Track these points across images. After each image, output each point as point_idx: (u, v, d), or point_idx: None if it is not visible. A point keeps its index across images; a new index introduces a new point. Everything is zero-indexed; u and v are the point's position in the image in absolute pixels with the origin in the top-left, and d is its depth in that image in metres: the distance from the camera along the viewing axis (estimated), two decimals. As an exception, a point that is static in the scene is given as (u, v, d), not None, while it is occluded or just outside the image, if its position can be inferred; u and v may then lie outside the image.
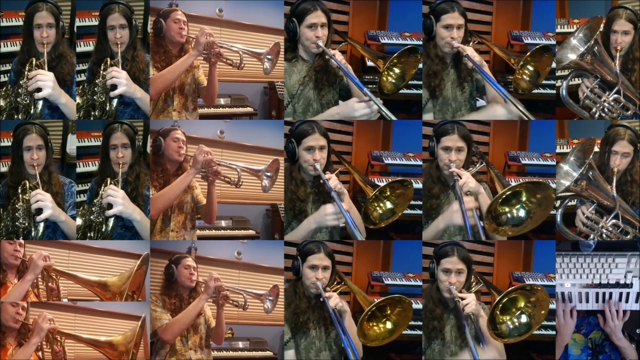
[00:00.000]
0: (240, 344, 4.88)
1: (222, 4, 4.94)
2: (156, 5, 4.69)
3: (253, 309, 4.61)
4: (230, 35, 4.93)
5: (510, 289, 4.37)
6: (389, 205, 4.49)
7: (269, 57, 4.61)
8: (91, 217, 4.52)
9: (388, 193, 4.48)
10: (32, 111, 4.55)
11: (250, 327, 4.84)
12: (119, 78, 4.55)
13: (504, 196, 4.40)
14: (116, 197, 4.48)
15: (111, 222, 4.50)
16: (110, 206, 4.48)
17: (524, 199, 4.42)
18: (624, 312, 4.61)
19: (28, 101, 4.56)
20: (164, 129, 4.60)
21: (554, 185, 4.56)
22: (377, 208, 4.48)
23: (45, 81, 4.52)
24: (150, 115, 4.62)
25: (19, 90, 4.56)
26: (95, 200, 4.52)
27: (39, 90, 4.53)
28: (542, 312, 4.39)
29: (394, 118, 4.50)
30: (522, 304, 4.40)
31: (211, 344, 4.64)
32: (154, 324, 4.56)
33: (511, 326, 4.41)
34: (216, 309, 4.57)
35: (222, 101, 4.98)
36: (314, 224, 4.47)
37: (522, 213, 4.43)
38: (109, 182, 4.50)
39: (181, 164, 4.61)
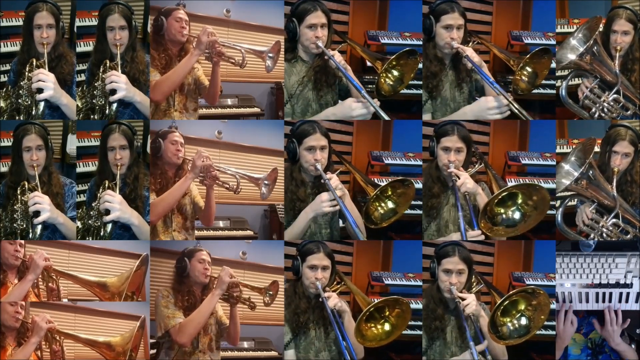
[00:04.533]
0: (245, 344, 4.88)
1: (229, 5, 4.95)
2: (157, 4, 4.69)
3: (258, 309, 4.61)
4: (237, 36, 4.94)
5: (512, 292, 4.37)
6: (390, 204, 4.48)
7: (270, 55, 4.61)
8: (89, 221, 4.51)
9: (389, 192, 4.48)
10: (33, 112, 4.55)
11: (255, 327, 4.84)
12: (118, 82, 4.53)
13: (500, 197, 4.39)
14: (113, 203, 4.46)
15: (109, 226, 4.49)
16: (107, 212, 4.48)
17: (520, 201, 4.42)
18: (624, 319, 4.59)
19: (29, 102, 4.56)
20: (162, 131, 4.59)
21: (553, 186, 4.57)
22: (379, 208, 4.48)
23: (46, 82, 4.52)
24: (152, 115, 4.61)
25: (20, 92, 4.56)
26: (93, 204, 4.51)
27: (40, 91, 4.53)
28: (542, 316, 4.38)
29: (387, 119, 4.51)
30: (522, 306, 4.40)
31: (221, 345, 4.63)
32: (166, 323, 4.52)
33: (511, 328, 4.41)
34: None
35: (229, 101, 4.99)
36: (312, 213, 4.45)
37: (517, 215, 4.43)
38: (106, 185, 4.50)
39: (180, 166, 4.61)
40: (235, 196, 4.68)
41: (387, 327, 4.42)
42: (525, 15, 4.88)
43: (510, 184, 4.51)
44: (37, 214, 4.47)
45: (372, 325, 4.42)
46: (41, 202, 4.47)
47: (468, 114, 4.60)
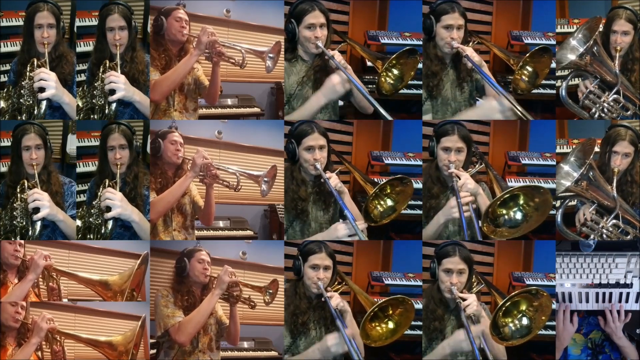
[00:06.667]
0: (245, 344, 4.88)
1: (229, 5, 4.95)
2: (157, 4, 4.69)
3: (258, 309, 4.61)
4: (237, 36, 4.94)
5: (514, 292, 4.37)
6: (389, 202, 4.49)
7: (271, 55, 4.61)
8: (90, 219, 4.51)
9: (388, 190, 4.48)
10: (35, 111, 4.55)
11: (255, 327, 4.84)
12: (117, 83, 4.54)
13: (502, 199, 4.40)
14: (114, 200, 4.47)
15: (110, 223, 4.49)
16: (108, 209, 4.48)
17: (521, 202, 4.42)
18: (626, 313, 4.61)
19: (31, 101, 4.55)
20: (162, 131, 4.59)
21: (553, 186, 4.57)
22: (378, 206, 4.48)
23: (48, 81, 4.52)
24: (152, 115, 4.61)
25: (22, 91, 4.55)
26: (94, 202, 4.52)
27: (42, 90, 4.53)
28: (543, 317, 4.39)
29: (390, 119, 4.52)
30: (524, 307, 4.40)
31: (221, 345, 4.63)
32: (165, 323, 4.52)
33: (513, 328, 4.41)
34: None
35: (229, 101, 4.99)
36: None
37: (519, 216, 4.43)
38: (107, 184, 4.50)
39: (180, 166, 4.61)
40: (235, 196, 4.68)
41: (391, 325, 4.43)
42: (525, 15, 4.89)
43: (511, 185, 4.51)
44: (36, 210, 4.47)
45: (376, 324, 4.42)
46: (41, 199, 4.47)
47: (472, 116, 4.60)
